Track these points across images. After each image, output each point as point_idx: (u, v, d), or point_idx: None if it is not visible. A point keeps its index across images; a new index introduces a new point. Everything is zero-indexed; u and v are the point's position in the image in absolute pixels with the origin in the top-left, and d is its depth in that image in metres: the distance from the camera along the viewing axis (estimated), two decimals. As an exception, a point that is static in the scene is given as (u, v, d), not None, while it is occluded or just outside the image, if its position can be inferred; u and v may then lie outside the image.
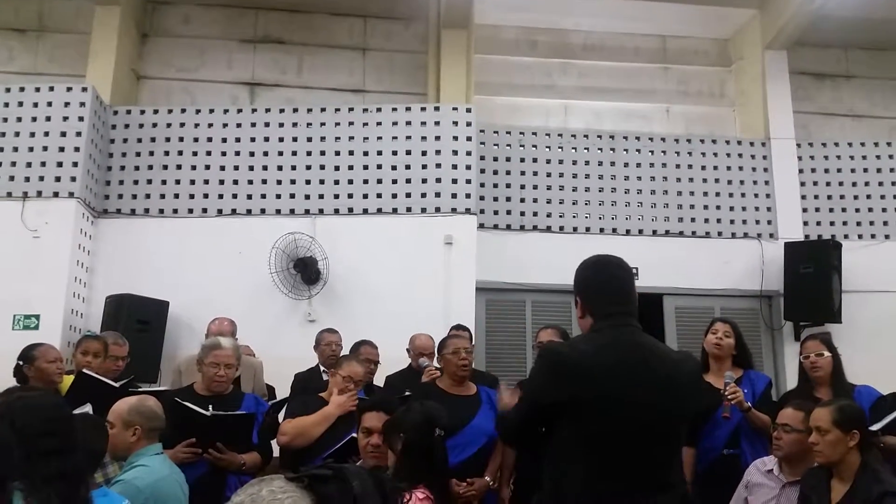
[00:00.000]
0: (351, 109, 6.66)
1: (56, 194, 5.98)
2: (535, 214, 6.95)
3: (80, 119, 6.11)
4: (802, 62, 7.73)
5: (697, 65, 7.93)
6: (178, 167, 6.49)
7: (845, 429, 2.78)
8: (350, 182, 6.47)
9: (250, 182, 6.47)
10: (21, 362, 3.77)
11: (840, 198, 7.25)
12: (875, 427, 3.32)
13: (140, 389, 3.75)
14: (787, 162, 7.22)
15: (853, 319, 6.54)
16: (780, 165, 7.21)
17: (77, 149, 6.06)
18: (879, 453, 3.49)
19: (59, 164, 6.02)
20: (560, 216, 6.96)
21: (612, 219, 7.01)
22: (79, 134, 6.08)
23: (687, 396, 2.22)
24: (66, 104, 6.13)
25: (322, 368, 4.91)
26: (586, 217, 6.99)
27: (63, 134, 6.08)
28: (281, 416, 3.94)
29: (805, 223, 7.14)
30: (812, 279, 6.56)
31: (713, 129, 7.70)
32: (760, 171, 7.24)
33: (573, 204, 7.00)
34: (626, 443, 2.09)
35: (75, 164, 6.03)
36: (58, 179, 6.00)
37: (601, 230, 6.96)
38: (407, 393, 3.96)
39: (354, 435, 3.14)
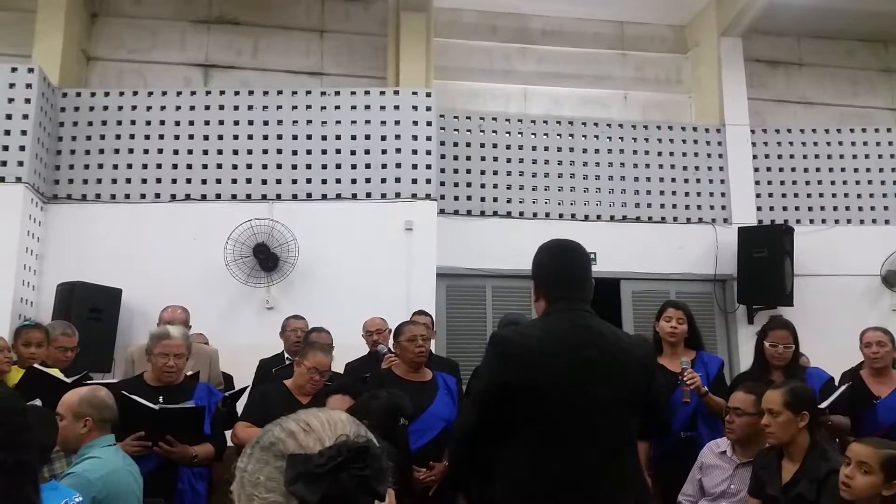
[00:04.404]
0: (308, 93, 6.55)
1: (2, 179, 5.77)
2: (494, 200, 6.95)
3: (27, 101, 5.89)
4: (757, 49, 7.84)
5: (654, 51, 7.99)
6: (130, 151, 6.32)
7: (796, 410, 2.85)
8: (308, 167, 6.38)
9: (205, 167, 6.33)
10: None
11: (792, 183, 7.40)
12: (823, 405, 3.41)
13: (92, 382, 3.66)
14: (741, 148, 7.34)
15: (804, 303, 6.70)
16: (735, 151, 7.33)
17: (24, 132, 5.85)
18: (827, 433, 3.60)
19: (6, 148, 5.81)
20: (520, 202, 6.98)
21: (571, 204, 7.05)
22: (25, 117, 5.87)
23: (637, 381, 2.20)
24: (12, 85, 5.90)
25: (286, 355, 4.90)
26: (545, 203, 7.02)
27: (9, 116, 5.86)
28: (240, 404, 3.90)
29: (758, 208, 7.27)
30: (765, 263, 6.69)
31: (669, 115, 7.78)
32: (715, 157, 7.35)
33: (532, 190, 7.02)
34: (575, 428, 2.08)
35: (22, 148, 5.82)
36: (4, 164, 5.79)
37: (560, 216, 7.00)
38: (366, 375, 3.96)
39: None
